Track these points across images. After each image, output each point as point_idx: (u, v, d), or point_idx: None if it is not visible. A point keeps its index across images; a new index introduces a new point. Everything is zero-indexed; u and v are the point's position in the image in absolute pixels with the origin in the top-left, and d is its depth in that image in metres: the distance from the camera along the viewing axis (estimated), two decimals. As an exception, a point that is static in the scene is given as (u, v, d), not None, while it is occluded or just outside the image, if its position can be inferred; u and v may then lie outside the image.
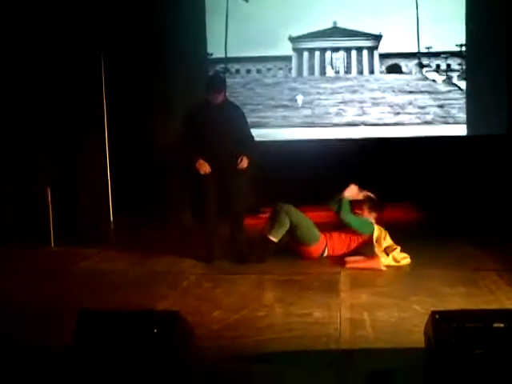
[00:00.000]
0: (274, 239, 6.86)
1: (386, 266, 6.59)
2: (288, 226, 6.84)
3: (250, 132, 7.12)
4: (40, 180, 8.14)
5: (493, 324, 3.63)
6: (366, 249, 6.97)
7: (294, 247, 7.05)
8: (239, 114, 7.12)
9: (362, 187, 7.26)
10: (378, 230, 7.01)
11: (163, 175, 9.58)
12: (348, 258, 6.79)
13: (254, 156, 6.93)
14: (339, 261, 6.78)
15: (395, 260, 6.74)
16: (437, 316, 3.72)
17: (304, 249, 6.98)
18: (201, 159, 6.80)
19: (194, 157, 6.85)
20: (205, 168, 6.80)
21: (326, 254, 7.03)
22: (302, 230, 6.91)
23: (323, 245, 7.00)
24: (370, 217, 7.20)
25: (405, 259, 6.77)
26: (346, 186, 7.22)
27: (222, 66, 10.55)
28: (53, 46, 8.57)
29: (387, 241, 6.96)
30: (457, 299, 5.33)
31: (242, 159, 6.79)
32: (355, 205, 7.25)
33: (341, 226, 7.14)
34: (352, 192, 7.17)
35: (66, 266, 7.04)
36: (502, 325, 3.62)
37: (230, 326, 4.85)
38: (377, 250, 6.82)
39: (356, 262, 6.73)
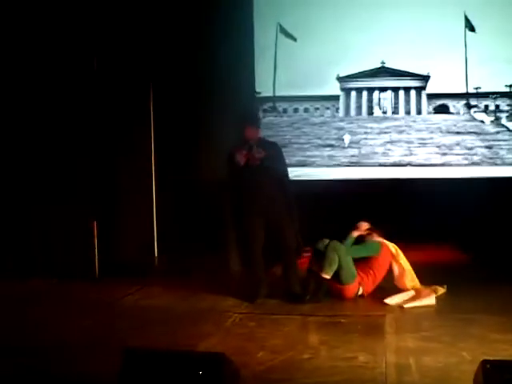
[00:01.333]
0: (328, 276, 6.82)
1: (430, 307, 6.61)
2: (338, 262, 6.81)
3: (284, 169, 7.08)
4: (86, 214, 8.20)
5: (545, 375, 3.55)
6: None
7: (332, 286, 6.98)
8: (275, 151, 7.06)
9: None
10: (390, 247, 7.22)
11: (209, 212, 9.60)
12: (398, 299, 6.76)
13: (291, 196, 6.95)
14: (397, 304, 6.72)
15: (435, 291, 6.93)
16: (488, 366, 3.64)
17: (342, 288, 6.94)
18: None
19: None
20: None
21: (360, 292, 7.01)
22: (345, 268, 6.89)
23: (358, 284, 6.99)
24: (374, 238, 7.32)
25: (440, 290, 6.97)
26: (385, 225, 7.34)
27: (270, 104, 10.62)
28: (103, 78, 8.67)
29: (402, 258, 7.14)
30: (507, 347, 5.19)
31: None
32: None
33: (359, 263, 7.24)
34: (361, 229, 7.36)
35: (110, 301, 7.07)
36: (555, 376, 3.54)
37: (276, 368, 4.79)
38: (406, 279, 7.04)
39: (409, 299, 6.72)
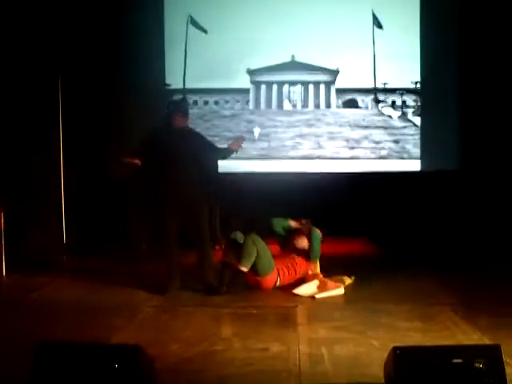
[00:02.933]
0: (245, 269, 6.85)
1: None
2: (255, 255, 6.84)
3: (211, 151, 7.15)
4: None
5: (452, 360, 3.68)
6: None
7: (248, 277, 7.02)
8: (202, 141, 7.08)
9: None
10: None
11: (120, 204, 9.51)
12: (305, 289, 6.85)
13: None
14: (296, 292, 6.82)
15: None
16: (398, 352, 3.75)
17: (260, 279, 6.97)
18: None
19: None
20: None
21: (278, 284, 7.06)
22: (264, 260, 6.92)
23: (276, 275, 7.03)
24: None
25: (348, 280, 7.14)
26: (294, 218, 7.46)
27: (180, 96, 10.55)
28: (9, 67, 8.50)
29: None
30: (414, 334, 5.35)
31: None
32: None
33: (286, 255, 7.32)
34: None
35: (19, 296, 6.91)
36: (460, 360, 3.67)
37: (190, 360, 4.78)
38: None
39: (318, 290, 6.83)
